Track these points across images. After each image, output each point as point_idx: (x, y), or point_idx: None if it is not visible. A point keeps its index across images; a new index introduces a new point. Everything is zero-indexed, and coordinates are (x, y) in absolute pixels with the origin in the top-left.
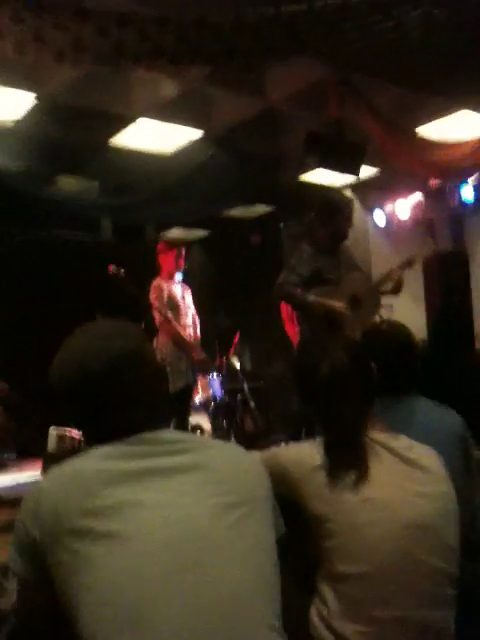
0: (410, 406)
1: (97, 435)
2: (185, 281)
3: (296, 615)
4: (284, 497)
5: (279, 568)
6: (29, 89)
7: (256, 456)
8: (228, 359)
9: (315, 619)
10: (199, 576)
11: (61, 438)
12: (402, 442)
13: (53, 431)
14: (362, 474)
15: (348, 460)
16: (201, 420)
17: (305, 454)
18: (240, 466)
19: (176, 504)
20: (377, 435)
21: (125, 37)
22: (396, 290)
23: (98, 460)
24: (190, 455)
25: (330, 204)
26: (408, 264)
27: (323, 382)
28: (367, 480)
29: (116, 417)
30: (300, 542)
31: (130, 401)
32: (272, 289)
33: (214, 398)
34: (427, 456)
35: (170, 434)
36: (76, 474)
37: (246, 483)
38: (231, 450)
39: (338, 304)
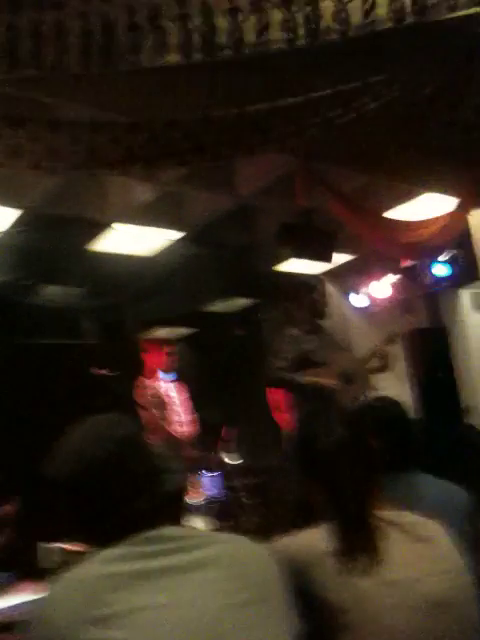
0: (411, 482)
1: (100, 533)
2: (179, 379)
3: None
4: (297, 590)
5: None
6: (9, 202)
7: (265, 549)
8: (218, 455)
9: None
10: None
11: (50, 551)
12: (409, 518)
13: (42, 546)
14: (375, 557)
15: (358, 542)
16: (195, 521)
17: (312, 541)
18: (250, 561)
19: (185, 605)
20: (384, 513)
21: (97, 143)
22: (383, 367)
23: (102, 565)
24: (197, 552)
25: (300, 285)
26: (391, 340)
27: (323, 457)
28: (380, 562)
29: (120, 508)
30: (318, 636)
31: (133, 490)
32: (258, 379)
33: (208, 498)
34: (436, 531)
35: (175, 531)
36: (81, 582)
37: (258, 579)
38: (241, 544)
39: (331, 381)
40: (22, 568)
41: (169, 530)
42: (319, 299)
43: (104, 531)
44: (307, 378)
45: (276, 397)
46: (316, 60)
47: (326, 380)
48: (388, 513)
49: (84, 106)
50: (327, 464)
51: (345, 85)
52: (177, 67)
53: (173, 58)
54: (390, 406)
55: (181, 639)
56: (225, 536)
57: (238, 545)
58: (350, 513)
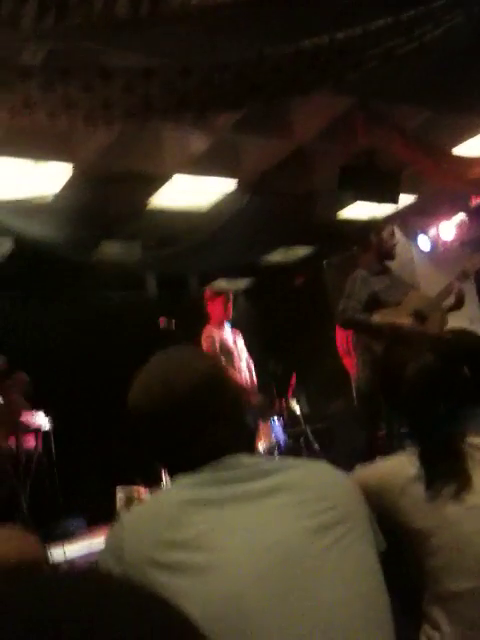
0: None
1: (182, 463)
2: (234, 328)
3: None
4: (380, 517)
5: (386, 589)
6: (64, 159)
7: (343, 473)
8: (287, 403)
9: None
10: (300, 603)
11: (129, 498)
12: None
13: (120, 492)
14: (464, 483)
15: (447, 469)
16: None
17: (397, 467)
18: (330, 483)
19: (266, 529)
20: (475, 439)
21: (151, 91)
22: (459, 304)
23: (180, 490)
24: (277, 476)
25: (368, 227)
26: (464, 275)
27: (412, 384)
28: (470, 488)
29: (203, 440)
30: (402, 564)
31: (216, 423)
32: (322, 327)
33: (277, 443)
34: None
35: (253, 458)
36: (158, 507)
37: (339, 500)
38: (319, 467)
39: (405, 321)
40: (95, 513)
41: (248, 457)
42: (387, 240)
43: (185, 460)
44: (379, 319)
45: (345, 343)
46: None
47: (400, 320)
48: (476, 440)
49: (134, 54)
50: (413, 394)
51: (405, 12)
52: (227, 5)
53: None
54: (469, 336)
55: (263, 562)
56: (303, 461)
57: (316, 469)
58: (438, 440)
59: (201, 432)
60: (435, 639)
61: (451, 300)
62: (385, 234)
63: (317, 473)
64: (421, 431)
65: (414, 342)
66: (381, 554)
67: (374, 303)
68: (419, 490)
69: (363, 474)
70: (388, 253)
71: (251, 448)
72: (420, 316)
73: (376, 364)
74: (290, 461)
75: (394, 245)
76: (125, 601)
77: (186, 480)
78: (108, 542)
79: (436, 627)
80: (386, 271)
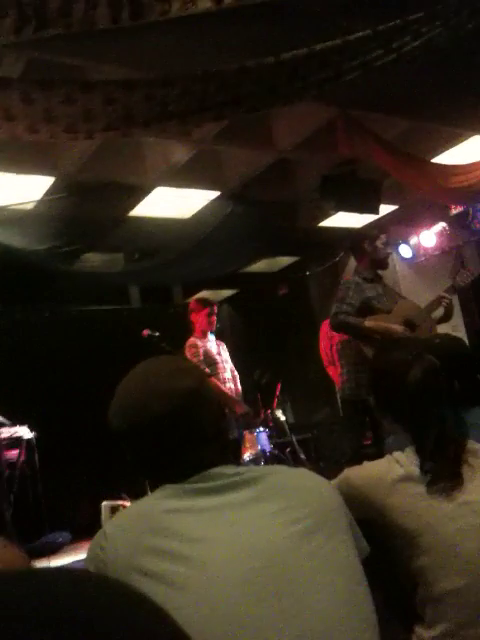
0: (477, 415)
1: (164, 477)
2: (218, 339)
3: None
4: (365, 521)
5: (370, 593)
6: (46, 172)
7: (323, 479)
8: (273, 413)
9: None
10: (285, 610)
11: (114, 510)
12: (478, 446)
13: (106, 505)
14: (457, 481)
15: (445, 469)
16: None
17: (385, 468)
18: (311, 489)
19: (249, 537)
20: (472, 445)
21: (132, 102)
22: (447, 316)
23: (164, 499)
24: (259, 486)
25: (360, 235)
26: (453, 289)
27: (416, 385)
28: (462, 488)
29: (184, 457)
30: (390, 566)
31: (197, 440)
32: (306, 337)
33: (263, 453)
34: None
35: (235, 468)
36: (140, 514)
37: (320, 506)
38: (299, 474)
39: (396, 326)
40: (80, 526)
41: (228, 468)
42: (381, 249)
43: (170, 474)
44: (371, 322)
45: (328, 351)
46: (352, 0)
47: (391, 325)
48: (473, 446)
49: (115, 65)
50: (418, 394)
51: (383, 24)
52: (208, 15)
53: (204, 4)
54: (457, 343)
55: (247, 568)
56: (284, 468)
57: (297, 476)
58: (442, 439)
59: (182, 450)
60: (428, 636)
61: (440, 311)
62: (379, 243)
63: (298, 480)
64: (422, 431)
65: (408, 345)
66: (367, 558)
67: (366, 309)
68: (408, 489)
69: (351, 475)
70: (382, 262)
71: (234, 459)
72: (410, 324)
73: (368, 369)
74: (271, 469)
75: (388, 254)
76: (119, 602)
77: (169, 490)
78: (91, 552)
79: (429, 627)
80: (378, 279)
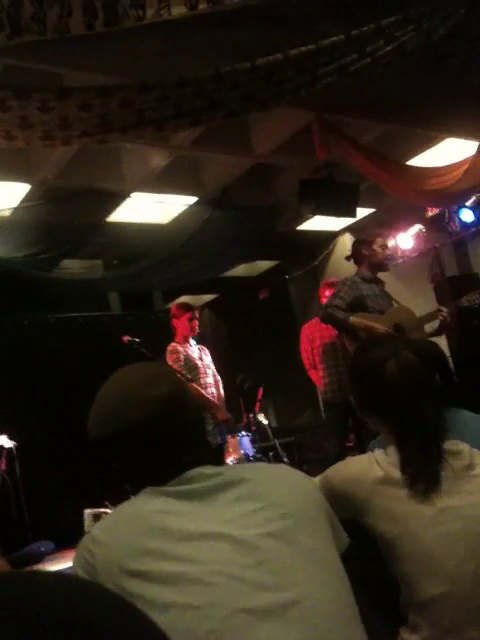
0: (453, 417)
1: (145, 483)
2: (200, 343)
3: None
4: (348, 521)
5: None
6: (22, 179)
7: (303, 474)
8: (255, 417)
9: None
10: (280, 602)
11: (97, 518)
12: (463, 447)
13: (88, 513)
14: (435, 484)
15: (424, 469)
16: None
17: (363, 468)
18: (292, 487)
19: (238, 535)
20: (451, 446)
21: (108, 108)
22: (441, 331)
23: (148, 501)
24: (241, 486)
25: (357, 242)
26: (455, 307)
27: (393, 380)
28: (439, 491)
29: (164, 461)
30: (373, 567)
31: (178, 445)
32: (288, 341)
33: (246, 457)
34: None
35: (214, 468)
36: (128, 517)
37: (301, 503)
38: (280, 473)
39: (381, 326)
40: (64, 536)
41: (209, 468)
42: (379, 252)
43: (151, 480)
44: (358, 318)
45: (310, 355)
46: (326, 5)
47: (376, 324)
48: (453, 447)
49: (92, 72)
50: (395, 391)
51: (357, 29)
52: (183, 21)
53: (178, 10)
54: (432, 346)
55: (236, 565)
56: (265, 466)
57: (277, 473)
58: (424, 438)
59: (162, 455)
60: None
61: (435, 324)
62: (376, 246)
63: (278, 478)
64: (402, 428)
65: (386, 343)
66: (351, 557)
67: (358, 306)
68: (387, 492)
69: (332, 474)
70: (381, 265)
71: (217, 462)
72: (399, 329)
73: (349, 365)
74: (251, 467)
75: (386, 256)
76: (105, 606)
77: (153, 492)
78: (78, 557)
79: (411, 630)
80: (377, 281)
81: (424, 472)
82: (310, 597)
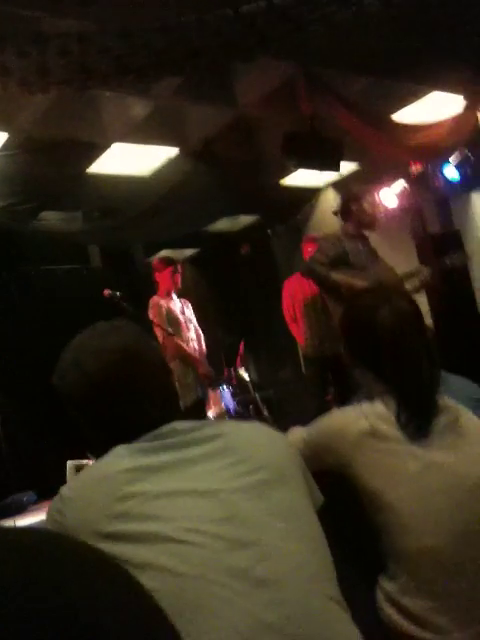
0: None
1: (114, 438)
2: (181, 298)
3: (360, 591)
4: (330, 471)
5: (326, 541)
6: (0, 126)
7: (277, 431)
8: (236, 371)
9: (380, 595)
10: (253, 552)
11: (79, 469)
12: (449, 403)
13: (71, 464)
14: (427, 431)
15: (418, 416)
16: None
17: (350, 420)
18: (265, 443)
19: (207, 493)
20: (445, 401)
21: (88, 56)
22: (420, 288)
23: (118, 460)
24: (213, 441)
25: (346, 197)
26: (439, 266)
27: (385, 327)
28: (431, 444)
29: (128, 415)
30: (353, 518)
31: (136, 396)
32: (270, 296)
33: (227, 410)
34: (474, 420)
35: (187, 424)
36: (99, 477)
37: (274, 458)
38: (252, 429)
39: (361, 282)
40: (46, 486)
41: (182, 423)
42: (368, 209)
43: (117, 435)
44: (339, 274)
45: (290, 310)
46: None
47: (356, 280)
48: (447, 402)
49: (71, 18)
50: (389, 339)
51: None
52: None
53: None
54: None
55: (204, 525)
56: (237, 423)
57: (250, 430)
58: (418, 388)
59: (121, 408)
60: (389, 591)
61: (415, 283)
62: (365, 204)
63: (251, 434)
64: (395, 377)
65: (378, 292)
66: (328, 509)
67: (341, 263)
68: (373, 445)
69: (318, 427)
70: (369, 223)
71: (198, 416)
72: (379, 285)
73: (338, 321)
74: (225, 423)
75: (375, 214)
76: (86, 561)
77: (123, 450)
78: (49, 516)
79: (392, 579)
80: (362, 238)
81: (417, 418)
82: (281, 552)
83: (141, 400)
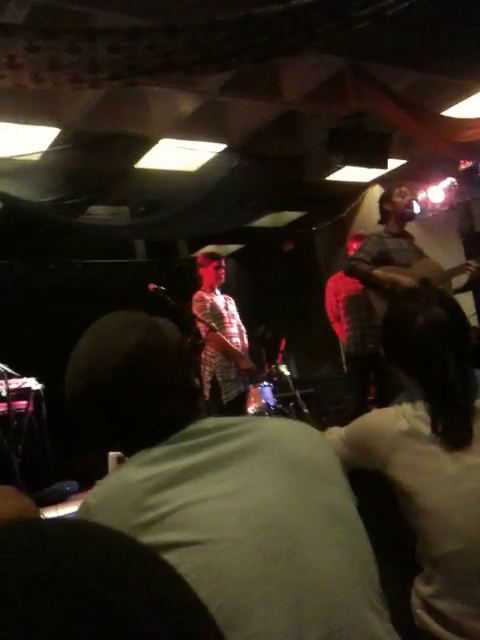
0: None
1: (136, 442)
2: (224, 293)
3: (395, 595)
4: (371, 471)
5: (370, 541)
6: (50, 122)
7: (312, 428)
8: (277, 367)
9: (415, 600)
10: (292, 563)
11: (120, 460)
12: None
13: (113, 455)
14: (468, 437)
15: (457, 422)
16: None
17: (389, 420)
18: (301, 439)
19: (243, 493)
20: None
21: (137, 51)
22: (470, 285)
23: (141, 468)
24: (245, 437)
25: (381, 199)
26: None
27: (419, 334)
28: (470, 447)
29: (147, 417)
30: (391, 519)
31: (157, 396)
32: (312, 293)
33: (267, 406)
34: None
35: (216, 421)
36: (122, 487)
37: (311, 455)
38: (287, 424)
39: (405, 279)
40: (87, 475)
41: (209, 421)
42: (399, 202)
43: (138, 439)
44: (382, 271)
45: (334, 307)
46: None
47: (400, 277)
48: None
49: (121, 14)
50: (420, 344)
51: None
52: None
53: None
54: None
55: (246, 527)
56: (270, 420)
57: (285, 426)
58: (449, 393)
59: (143, 410)
60: (423, 593)
61: (463, 279)
62: (396, 197)
63: (286, 430)
64: (426, 383)
65: (421, 296)
66: (368, 510)
67: (384, 260)
68: (412, 446)
69: (358, 426)
70: (404, 214)
71: (239, 412)
72: (426, 283)
73: (383, 317)
74: (259, 420)
75: (408, 204)
76: (133, 555)
77: (145, 457)
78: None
79: (426, 582)
80: (405, 235)
81: (457, 425)
82: (322, 560)
83: (162, 398)
